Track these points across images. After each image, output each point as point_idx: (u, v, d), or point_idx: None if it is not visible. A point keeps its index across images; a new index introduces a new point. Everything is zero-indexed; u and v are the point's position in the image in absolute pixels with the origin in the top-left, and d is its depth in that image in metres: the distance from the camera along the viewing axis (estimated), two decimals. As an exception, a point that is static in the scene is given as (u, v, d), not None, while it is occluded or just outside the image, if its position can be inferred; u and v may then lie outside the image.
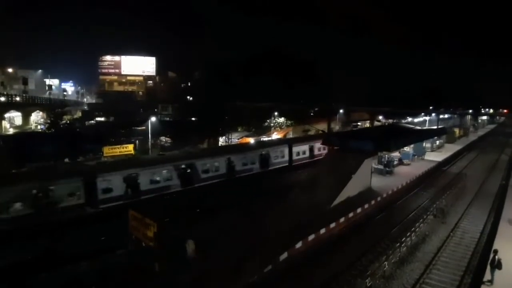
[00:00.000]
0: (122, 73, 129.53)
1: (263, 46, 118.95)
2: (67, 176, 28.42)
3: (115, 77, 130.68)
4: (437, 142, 66.70)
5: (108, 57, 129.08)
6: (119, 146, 49.51)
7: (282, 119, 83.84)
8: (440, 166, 53.78)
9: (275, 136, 70.27)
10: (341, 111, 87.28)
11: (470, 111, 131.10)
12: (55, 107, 79.30)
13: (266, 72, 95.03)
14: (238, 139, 68.98)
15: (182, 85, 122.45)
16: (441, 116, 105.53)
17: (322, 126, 78.37)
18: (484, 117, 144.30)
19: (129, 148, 49.10)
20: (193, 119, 79.47)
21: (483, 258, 23.46)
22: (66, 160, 44.18)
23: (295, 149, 46.69)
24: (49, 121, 66.83)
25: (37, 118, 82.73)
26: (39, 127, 75.74)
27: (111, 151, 47.43)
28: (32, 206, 25.41)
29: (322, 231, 25.90)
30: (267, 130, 77.11)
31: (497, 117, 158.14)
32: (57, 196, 26.68)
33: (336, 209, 30.52)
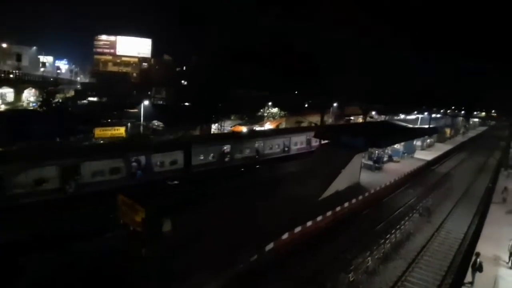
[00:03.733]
0: (117, 53, 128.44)
1: (261, 36, 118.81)
2: (303, 131, 53.14)
3: (110, 57, 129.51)
4: (428, 141, 67.16)
5: (103, 37, 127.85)
6: (110, 128, 49.14)
7: (275, 110, 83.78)
8: (429, 165, 54.26)
9: (268, 126, 70.33)
10: (334, 104, 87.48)
11: (462, 112, 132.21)
12: (48, 84, 78.42)
13: (263, 61, 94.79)
14: (231, 127, 68.93)
15: (177, 69, 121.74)
16: (433, 116, 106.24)
17: (315, 119, 78.48)
18: (476, 119, 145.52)
19: (121, 131, 48.78)
20: (186, 104, 79.21)
21: (465, 259, 23.86)
22: (57, 139, 43.79)
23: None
24: (41, 99, 66.08)
25: (29, 95, 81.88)
26: (31, 104, 74.97)
27: (102, 132, 47.10)
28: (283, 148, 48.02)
29: (309, 223, 26.13)
30: (260, 120, 77.09)
31: (489, 120, 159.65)
32: (294, 142, 49.71)
33: (324, 202, 30.75)
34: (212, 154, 38.42)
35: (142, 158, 31.61)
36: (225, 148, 39.90)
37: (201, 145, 37.54)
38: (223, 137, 47.19)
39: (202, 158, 37.06)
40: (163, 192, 28.31)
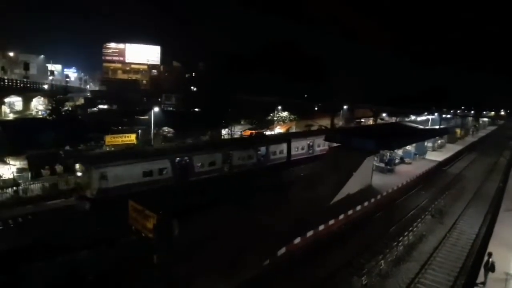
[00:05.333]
0: (126, 61, 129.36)
1: (270, 40, 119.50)
2: None
3: (119, 65, 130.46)
4: (439, 141, 66.81)
5: (112, 45, 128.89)
6: (121, 135, 49.50)
7: (285, 113, 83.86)
8: (440, 166, 53.97)
9: (278, 130, 70.45)
10: (344, 107, 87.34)
11: (472, 112, 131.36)
12: (57, 93, 78.79)
13: (272, 66, 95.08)
14: (241, 132, 69.12)
15: (187, 75, 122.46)
16: (443, 116, 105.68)
17: (325, 122, 78.52)
18: (486, 119, 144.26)
19: (132, 138, 49.14)
20: (196, 110, 79.58)
21: (478, 260, 23.74)
22: (67, 147, 44.21)
23: None
24: (50, 108, 66.48)
25: (38, 103, 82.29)
26: (40, 113, 75.42)
27: (113, 140, 47.47)
28: None
29: (321, 227, 26.18)
30: (270, 124, 77.21)
31: (498, 120, 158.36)
32: None
33: (336, 206, 30.81)
34: (301, 147, 48.27)
35: (263, 149, 42.90)
36: (309, 142, 50.20)
37: (296, 139, 48.30)
38: (308, 134, 56.27)
39: (297, 149, 47.49)
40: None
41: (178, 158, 33.46)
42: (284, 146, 44.87)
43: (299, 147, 47.61)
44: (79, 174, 30.48)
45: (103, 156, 32.79)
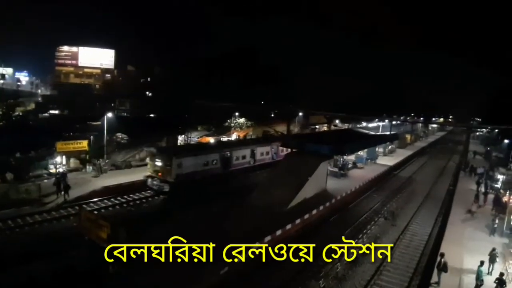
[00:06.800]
0: (79, 64, 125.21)
1: (226, 45, 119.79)
2: None
3: (72, 69, 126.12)
4: (389, 147, 68.91)
5: (65, 48, 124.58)
6: (72, 141, 47.97)
7: (242, 120, 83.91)
8: (391, 170, 55.66)
9: (235, 136, 70.38)
10: (300, 114, 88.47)
11: (421, 118, 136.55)
12: (7, 97, 75.94)
13: (229, 72, 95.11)
14: (198, 138, 68.49)
15: (142, 80, 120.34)
16: (393, 122, 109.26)
17: (282, 128, 79.15)
18: (435, 125, 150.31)
19: (83, 144, 47.66)
20: (151, 115, 78.25)
21: (431, 260, 24.56)
22: (18, 154, 42.45)
23: None
24: (0, 113, 63.95)
25: (-12, 108, 78.87)
26: (-11, 118, 72.29)
27: (64, 146, 45.91)
28: None
29: (278, 232, 26.30)
30: (227, 130, 77.00)
31: (446, 126, 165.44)
32: None
33: (292, 210, 31.07)
34: None
35: (275, 147, 50.03)
36: None
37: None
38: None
39: None
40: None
41: (223, 153, 42.20)
42: None
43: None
44: (158, 164, 37.49)
45: (178, 150, 44.05)
